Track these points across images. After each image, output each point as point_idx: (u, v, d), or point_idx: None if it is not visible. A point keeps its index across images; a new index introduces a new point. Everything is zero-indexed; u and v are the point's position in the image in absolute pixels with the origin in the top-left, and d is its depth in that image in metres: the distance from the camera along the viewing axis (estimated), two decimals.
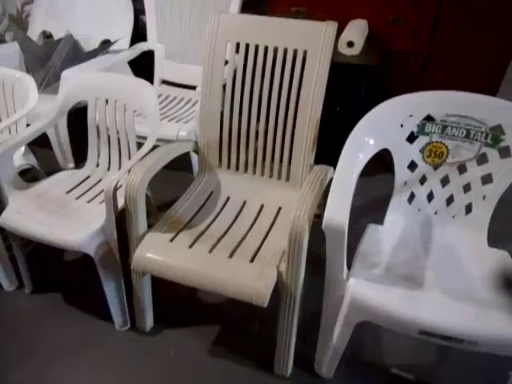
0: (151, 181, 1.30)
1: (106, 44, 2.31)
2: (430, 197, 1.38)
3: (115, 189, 1.27)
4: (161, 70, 2.34)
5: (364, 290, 1.13)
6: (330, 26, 1.31)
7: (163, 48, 2.31)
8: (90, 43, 2.36)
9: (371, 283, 1.15)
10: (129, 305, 1.46)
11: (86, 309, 1.55)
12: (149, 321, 1.47)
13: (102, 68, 2.07)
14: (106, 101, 1.51)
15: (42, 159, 2.07)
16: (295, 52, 1.35)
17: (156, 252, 1.24)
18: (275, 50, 1.38)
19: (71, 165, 2.24)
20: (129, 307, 1.46)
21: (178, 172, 1.87)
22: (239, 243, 1.29)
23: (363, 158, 1.25)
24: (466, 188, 1.33)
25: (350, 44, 1.95)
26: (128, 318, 1.48)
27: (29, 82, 1.55)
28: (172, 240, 1.29)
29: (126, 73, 2.30)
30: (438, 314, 1.07)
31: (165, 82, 2.36)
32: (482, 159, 1.29)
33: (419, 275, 1.20)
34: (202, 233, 1.34)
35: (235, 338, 1.48)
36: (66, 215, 1.39)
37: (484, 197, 1.32)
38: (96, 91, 1.51)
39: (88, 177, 1.59)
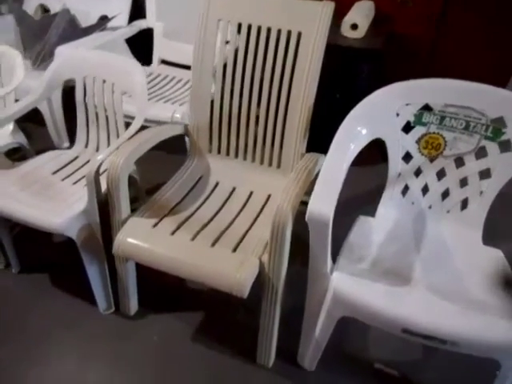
0: (143, 163, 1.26)
1: (103, 20, 2.26)
2: (425, 190, 1.32)
3: (98, 171, 1.23)
4: (160, 49, 2.28)
5: (347, 284, 1.09)
6: (327, 6, 1.24)
7: (162, 26, 2.25)
8: (87, 19, 2.30)
9: (355, 278, 1.11)
10: (114, 288, 1.44)
11: (73, 290, 1.53)
12: (133, 305, 1.45)
13: (98, 45, 2.01)
14: (94, 79, 1.46)
15: (38, 138, 2.05)
16: (289, 33, 1.29)
17: (137, 237, 1.21)
18: (268, 30, 1.31)
19: (66, 144, 2.21)
20: (114, 291, 1.44)
21: (173, 155, 1.83)
22: (223, 231, 1.26)
23: (355, 148, 1.19)
24: (463, 182, 1.28)
25: (354, 27, 1.87)
26: (112, 302, 1.46)
27: (15, 58, 1.50)
28: (155, 225, 1.26)
29: (124, 51, 2.24)
30: (422, 312, 1.04)
31: (164, 61, 2.30)
32: (480, 153, 1.23)
33: (406, 271, 1.16)
34: (187, 219, 1.30)
35: (220, 325, 1.46)
36: (50, 197, 1.36)
37: (481, 192, 1.26)
38: (84, 69, 1.46)
39: (76, 157, 1.56)
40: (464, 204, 1.29)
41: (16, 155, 1.68)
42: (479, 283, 1.13)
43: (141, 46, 2.31)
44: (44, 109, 2.06)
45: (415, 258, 1.20)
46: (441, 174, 1.29)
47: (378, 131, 1.24)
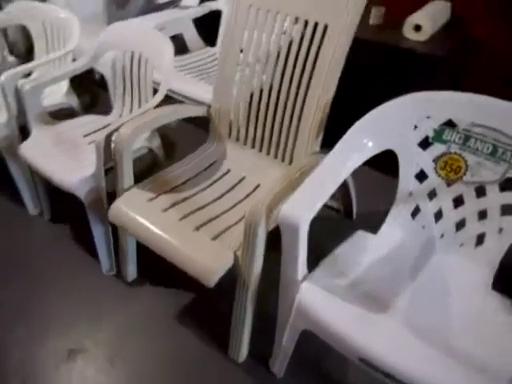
0: (174, 140, 1.29)
1: None
2: (438, 216, 1.18)
3: (108, 139, 1.29)
4: None
5: (313, 297, 1.03)
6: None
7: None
8: None
9: (325, 292, 1.04)
10: (117, 253, 1.51)
11: (85, 247, 1.63)
12: (131, 271, 1.51)
13: (164, 22, 2.09)
14: (132, 52, 1.53)
15: (103, 101, 2.20)
16: (315, 25, 1.21)
17: (130, 208, 1.25)
18: (296, 20, 1.25)
19: None
20: (117, 255, 1.52)
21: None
22: (213, 218, 1.25)
23: (357, 160, 1.10)
24: (482, 215, 1.12)
25: (418, 28, 1.71)
26: (114, 265, 1.54)
27: (73, 23, 1.62)
28: (151, 200, 1.29)
29: (190, 29, 2.30)
30: (386, 345, 0.94)
31: None
32: (506, 185, 1.06)
33: (389, 298, 1.05)
34: (184, 200, 1.31)
35: (206, 310, 1.46)
36: (73, 156, 1.46)
37: (501, 230, 1.09)
38: (122, 43, 1.54)
39: (109, 124, 1.65)
40: (480, 239, 1.13)
41: (69, 116, 1.81)
42: (470, 332, 0.99)
43: (209, 27, 2.35)
44: (108, 75, 2.20)
45: (405, 288, 1.09)
46: (458, 202, 1.14)
47: (387, 144, 1.12)
